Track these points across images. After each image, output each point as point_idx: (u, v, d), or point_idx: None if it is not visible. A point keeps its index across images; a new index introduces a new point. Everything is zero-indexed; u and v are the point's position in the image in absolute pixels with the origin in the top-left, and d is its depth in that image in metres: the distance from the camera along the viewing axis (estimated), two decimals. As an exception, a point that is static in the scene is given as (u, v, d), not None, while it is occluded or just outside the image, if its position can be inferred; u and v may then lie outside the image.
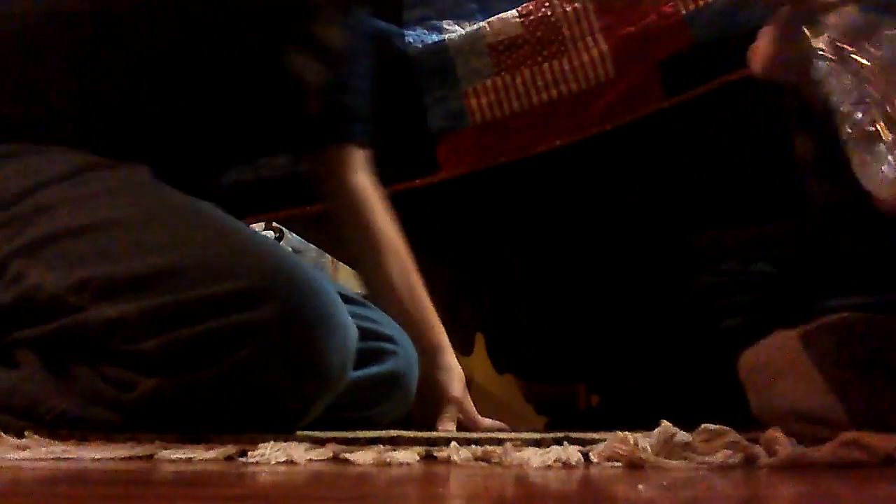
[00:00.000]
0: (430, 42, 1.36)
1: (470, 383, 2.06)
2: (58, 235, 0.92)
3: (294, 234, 2.08)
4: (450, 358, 1.19)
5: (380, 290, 1.19)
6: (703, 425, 0.66)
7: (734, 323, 1.20)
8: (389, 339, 1.11)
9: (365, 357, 1.03)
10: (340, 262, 2.24)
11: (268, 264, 0.88)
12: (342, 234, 1.24)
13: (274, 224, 2.08)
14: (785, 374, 0.80)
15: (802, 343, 0.79)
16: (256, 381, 0.85)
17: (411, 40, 1.36)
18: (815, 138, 0.77)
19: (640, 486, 0.56)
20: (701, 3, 1.27)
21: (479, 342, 1.66)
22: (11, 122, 1.01)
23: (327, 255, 2.26)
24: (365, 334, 1.01)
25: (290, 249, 2.14)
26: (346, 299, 1.05)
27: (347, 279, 2.23)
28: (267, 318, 0.83)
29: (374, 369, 1.08)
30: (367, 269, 1.21)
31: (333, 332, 0.87)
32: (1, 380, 0.92)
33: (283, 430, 0.84)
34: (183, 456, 0.71)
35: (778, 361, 0.81)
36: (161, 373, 0.85)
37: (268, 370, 0.85)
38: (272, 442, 0.71)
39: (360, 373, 1.01)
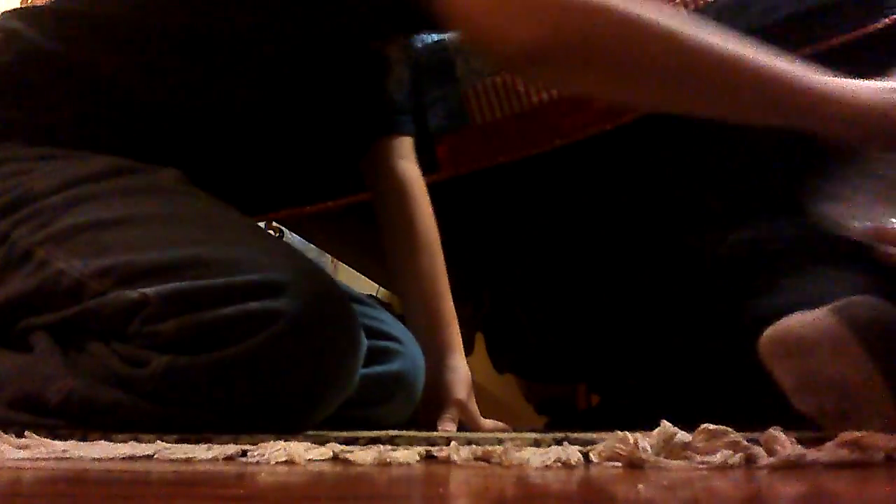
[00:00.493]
0: (429, 41, 1.36)
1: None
2: (86, 226, 0.93)
3: (294, 234, 2.09)
4: (459, 359, 1.19)
5: (406, 280, 1.20)
6: (703, 425, 0.66)
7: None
8: (395, 340, 1.12)
9: (370, 356, 1.03)
10: (340, 262, 2.24)
11: (289, 263, 0.90)
12: (382, 221, 1.25)
13: (274, 224, 2.08)
14: (821, 347, 0.80)
15: (836, 316, 0.78)
16: (268, 370, 0.85)
17: (411, 40, 1.35)
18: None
19: (640, 486, 0.56)
20: (701, 3, 1.27)
21: (479, 342, 1.66)
22: (55, 127, 1.02)
23: (327, 254, 2.27)
24: (371, 333, 1.04)
25: (291, 249, 2.14)
26: (352, 299, 1.07)
27: (347, 279, 2.23)
28: (284, 309, 0.84)
29: (378, 368, 1.08)
30: (400, 257, 1.23)
31: (346, 333, 0.89)
32: (14, 363, 0.92)
33: (289, 430, 0.84)
34: (183, 456, 0.71)
35: (811, 335, 0.80)
36: (176, 351, 0.85)
37: (281, 359, 0.85)
38: (272, 441, 0.71)
39: (365, 371, 1.01)
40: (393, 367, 1.10)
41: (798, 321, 0.80)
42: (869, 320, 0.76)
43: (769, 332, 0.82)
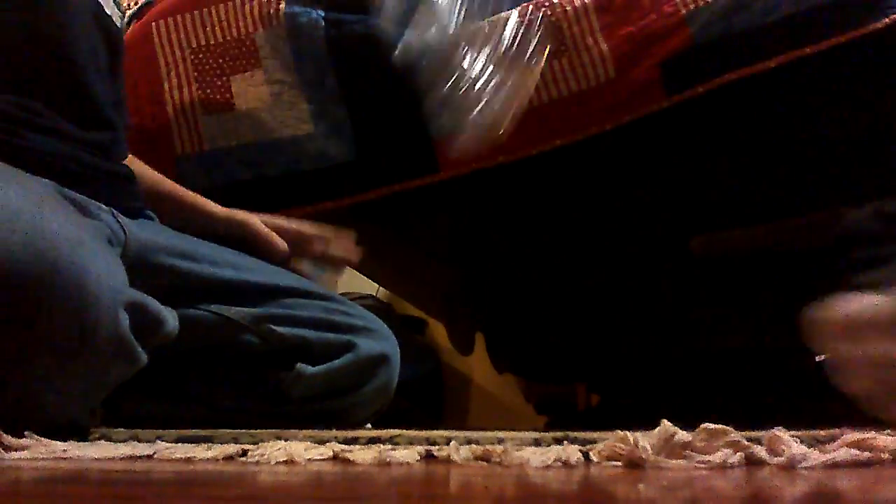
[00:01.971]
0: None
1: (470, 383, 2.07)
2: None
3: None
4: (213, 205, 1.26)
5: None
6: (703, 425, 0.66)
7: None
8: (361, 329, 1.13)
9: (334, 349, 1.08)
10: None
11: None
12: None
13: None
14: (876, 328, 0.80)
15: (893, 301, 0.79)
16: None
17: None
18: None
19: (640, 486, 0.56)
20: (701, 3, 1.27)
21: (479, 342, 1.66)
22: None
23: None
24: (332, 327, 1.08)
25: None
26: (310, 294, 1.12)
27: (347, 279, 2.23)
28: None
29: (336, 362, 1.10)
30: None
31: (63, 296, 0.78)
32: None
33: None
34: (183, 456, 0.71)
35: (867, 317, 0.81)
36: None
37: None
38: (272, 441, 0.71)
39: (324, 367, 1.07)
40: (353, 355, 1.11)
41: (855, 304, 0.81)
42: None
43: (821, 313, 0.83)
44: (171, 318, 0.91)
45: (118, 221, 1.04)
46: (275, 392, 1.09)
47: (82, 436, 0.83)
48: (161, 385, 1.05)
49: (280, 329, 1.10)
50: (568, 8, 1.31)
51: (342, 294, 2.09)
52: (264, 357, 1.11)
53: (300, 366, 1.09)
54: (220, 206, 1.27)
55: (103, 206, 1.03)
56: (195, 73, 1.40)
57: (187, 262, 1.09)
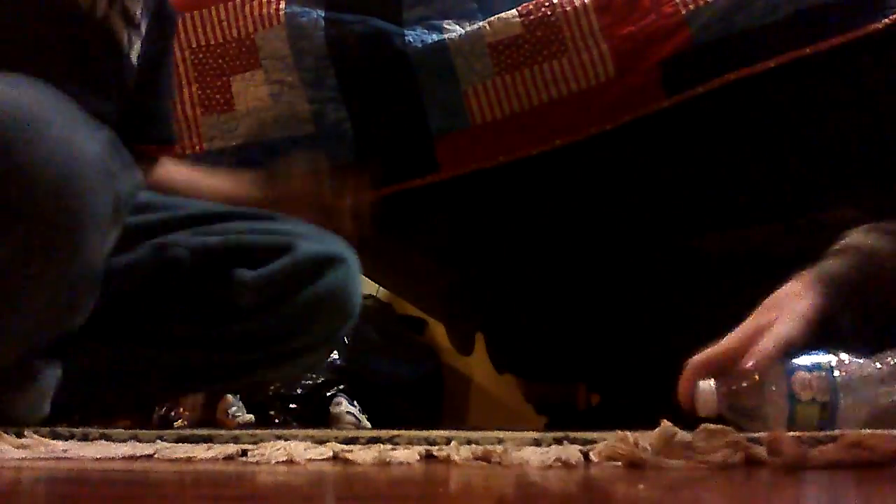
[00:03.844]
0: (429, 42, 1.35)
1: (470, 383, 2.07)
2: None
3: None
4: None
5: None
6: (703, 425, 0.66)
7: None
8: (302, 234, 1.09)
9: (272, 253, 1.05)
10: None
11: None
12: None
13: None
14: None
15: None
16: None
17: (411, 40, 1.35)
18: None
19: (640, 486, 0.56)
20: (701, 3, 1.27)
21: (479, 342, 1.66)
22: None
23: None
24: (268, 233, 1.07)
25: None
26: (251, 214, 1.10)
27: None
28: None
29: (276, 262, 1.05)
30: None
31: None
32: None
33: None
34: (183, 456, 0.71)
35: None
36: None
37: None
38: (272, 441, 0.71)
39: (265, 269, 1.04)
40: (287, 259, 1.05)
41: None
42: None
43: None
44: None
45: None
46: (225, 308, 1.04)
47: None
48: (120, 333, 1.02)
49: (212, 239, 1.06)
50: (568, 8, 1.31)
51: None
52: (204, 279, 1.05)
53: (238, 271, 1.04)
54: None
55: None
56: (195, 73, 1.40)
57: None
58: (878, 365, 0.80)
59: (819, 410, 0.78)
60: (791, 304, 0.85)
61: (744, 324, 0.85)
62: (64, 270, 0.83)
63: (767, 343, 0.81)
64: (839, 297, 0.85)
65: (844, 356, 0.80)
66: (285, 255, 1.05)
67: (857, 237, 0.90)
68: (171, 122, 1.27)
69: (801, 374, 0.79)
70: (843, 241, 0.91)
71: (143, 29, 1.14)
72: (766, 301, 0.87)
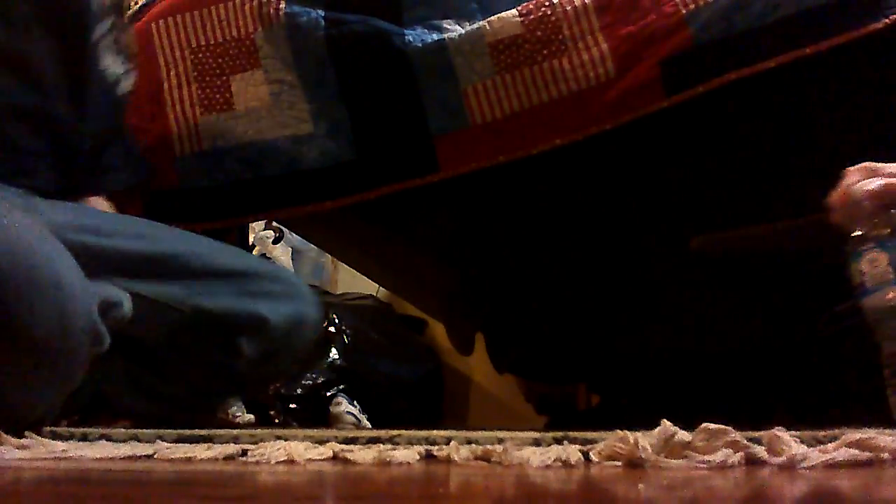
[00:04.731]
0: (429, 41, 1.35)
1: (470, 383, 2.07)
2: None
3: (294, 234, 2.09)
4: None
5: None
6: (703, 425, 0.66)
7: None
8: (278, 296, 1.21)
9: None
10: (340, 262, 2.24)
11: None
12: None
13: (274, 224, 2.08)
14: None
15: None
16: None
17: (411, 39, 1.35)
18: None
19: (640, 486, 0.56)
20: (701, 3, 1.27)
21: (479, 342, 1.66)
22: None
23: (327, 255, 2.27)
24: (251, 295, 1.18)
25: (290, 249, 2.15)
26: (222, 274, 1.18)
27: (348, 279, 2.23)
28: None
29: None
30: None
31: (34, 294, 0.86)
32: None
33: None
34: (183, 456, 0.71)
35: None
36: None
37: None
38: (272, 441, 0.71)
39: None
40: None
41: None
42: None
43: (872, 299, 0.86)
44: (125, 300, 1.01)
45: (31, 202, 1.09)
46: (226, 364, 1.18)
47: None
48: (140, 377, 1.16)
49: (206, 303, 1.15)
50: (568, 8, 1.31)
51: (342, 294, 2.10)
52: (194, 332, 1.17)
53: (240, 341, 1.17)
54: None
55: (12, 188, 1.09)
56: (195, 73, 1.40)
57: (96, 237, 1.11)
58: None
59: None
60: None
61: None
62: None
63: None
64: None
65: None
66: (266, 326, 1.18)
67: None
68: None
69: None
70: None
71: None
72: None
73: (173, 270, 1.14)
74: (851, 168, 0.94)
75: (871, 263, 0.86)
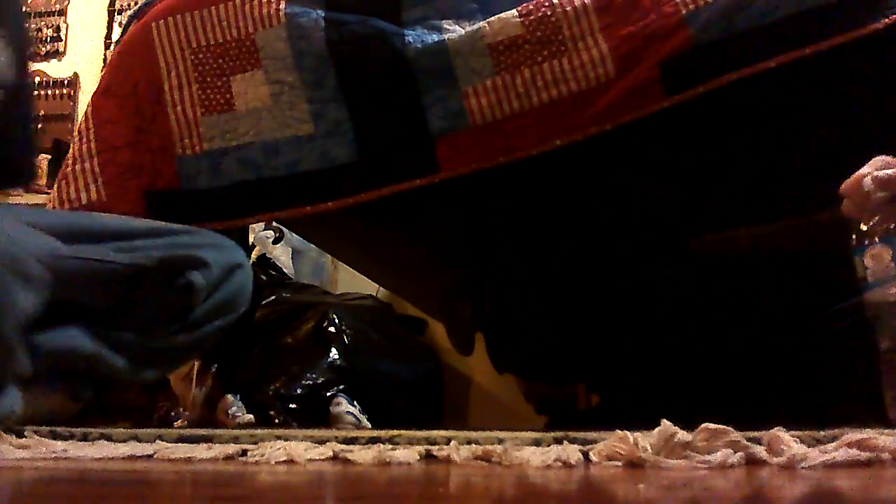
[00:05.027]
0: (429, 42, 1.35)
1: (470, 383, 2.07)
2: None
3: (294, 234, 2.09)
4: None
5: None
6: (703, 425, 0.66)
7: None
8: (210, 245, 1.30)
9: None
10: (340, 262, 2.24)
11: None
12: None
13: (274, 224, 2.08)
14: None
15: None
16: None
17: (411, 40, 1.35)
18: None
19: (640, 486, 0.56)
20: (701, 3, 1.27)
21: (479, 342, 1.66)
22: None
23: (327, 255, 2.27)
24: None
25: (290, 249, 2.15)
26: (170, 231, 1.27)
27: (348, 279, 2.23)
28: None
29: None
30: None
31: None
32: None
33: None
34: (183, 456, 0.71)
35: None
36: None
37: None
38: (272, 441, 0.71)
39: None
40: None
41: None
42: None
43: (872, 294, 0.86)
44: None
45: None
46: (184, 305, 1.26)
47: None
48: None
49: (144, 257, 1.23)
50: (568, 8, 1.31)
51: (342, 294, 2.10)
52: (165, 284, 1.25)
53: (195, 276, 1.24)
54: None
55: None
56: (195, 74, 1.40)
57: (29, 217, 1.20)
58: None
59: None
60: None
61: None
62: None
63: None
64: None
65: None
66: (204, 268, 1.26)
67: None
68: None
69: None
70: None
71: None
72: None
73: (104, 235, 1.24)
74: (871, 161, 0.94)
75: (875, 258, 0.86)
